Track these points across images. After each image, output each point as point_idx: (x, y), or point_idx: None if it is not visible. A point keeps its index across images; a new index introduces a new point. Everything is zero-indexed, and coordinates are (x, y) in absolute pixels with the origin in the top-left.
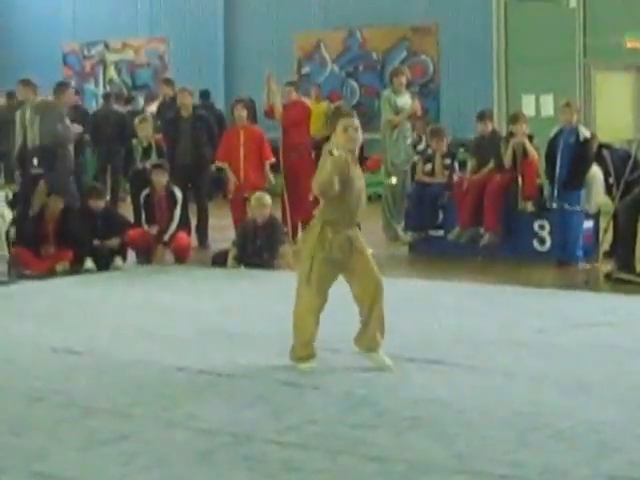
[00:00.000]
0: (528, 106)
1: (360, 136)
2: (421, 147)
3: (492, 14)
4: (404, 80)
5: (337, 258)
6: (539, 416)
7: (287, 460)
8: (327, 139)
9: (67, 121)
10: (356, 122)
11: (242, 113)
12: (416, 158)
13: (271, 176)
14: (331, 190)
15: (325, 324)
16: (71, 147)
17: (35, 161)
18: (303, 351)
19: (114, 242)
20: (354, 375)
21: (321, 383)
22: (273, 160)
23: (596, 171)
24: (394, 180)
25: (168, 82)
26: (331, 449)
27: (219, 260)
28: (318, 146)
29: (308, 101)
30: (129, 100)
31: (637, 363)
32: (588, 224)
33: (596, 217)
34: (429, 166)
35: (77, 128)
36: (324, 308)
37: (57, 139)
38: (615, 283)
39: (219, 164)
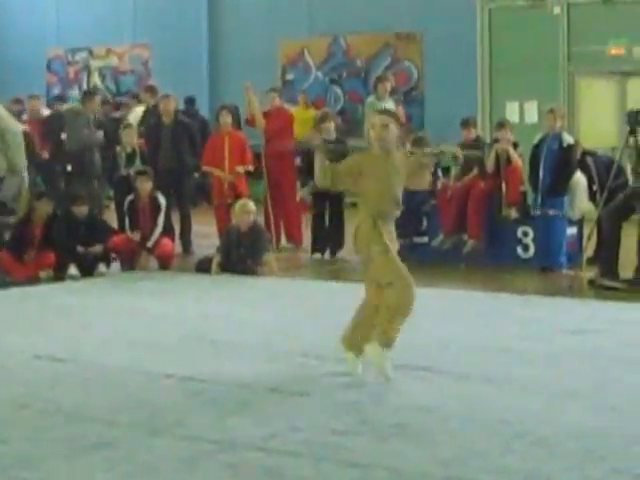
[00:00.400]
0: (512, 113)
1: (390, 133)
2: None
3: (476, 21)
4: (388, 87)
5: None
6: (524, 423)
7: (271, 467)
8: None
9: (93, 127)
10: (384, 119)
11: (227, 119)
12: None
13: (240, 168)
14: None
15: (309, 331)
16: (97, 152)
17: (69, 167)
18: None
19: (98, 249)
20: (339, 382)
21: (306, 390)
22: (251, 168)
23: (580, 177)
24: None
25: (151, 90)
26: (314, 456)
27: (203, 267)
28: (305, 152)
29: (292, 108)
30: (117, 106)
31: (621, 370)
32: (572, 230)
33: (580, 223)
34: None
35: (99, 134)
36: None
37: (84, 145)
38: (599, 289)
39: (206, 169)
